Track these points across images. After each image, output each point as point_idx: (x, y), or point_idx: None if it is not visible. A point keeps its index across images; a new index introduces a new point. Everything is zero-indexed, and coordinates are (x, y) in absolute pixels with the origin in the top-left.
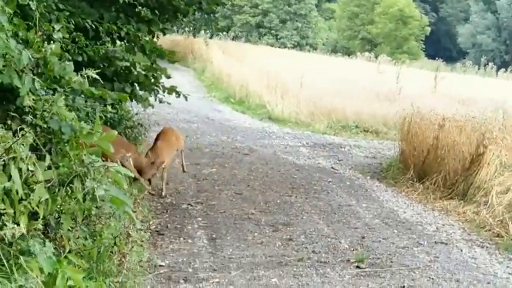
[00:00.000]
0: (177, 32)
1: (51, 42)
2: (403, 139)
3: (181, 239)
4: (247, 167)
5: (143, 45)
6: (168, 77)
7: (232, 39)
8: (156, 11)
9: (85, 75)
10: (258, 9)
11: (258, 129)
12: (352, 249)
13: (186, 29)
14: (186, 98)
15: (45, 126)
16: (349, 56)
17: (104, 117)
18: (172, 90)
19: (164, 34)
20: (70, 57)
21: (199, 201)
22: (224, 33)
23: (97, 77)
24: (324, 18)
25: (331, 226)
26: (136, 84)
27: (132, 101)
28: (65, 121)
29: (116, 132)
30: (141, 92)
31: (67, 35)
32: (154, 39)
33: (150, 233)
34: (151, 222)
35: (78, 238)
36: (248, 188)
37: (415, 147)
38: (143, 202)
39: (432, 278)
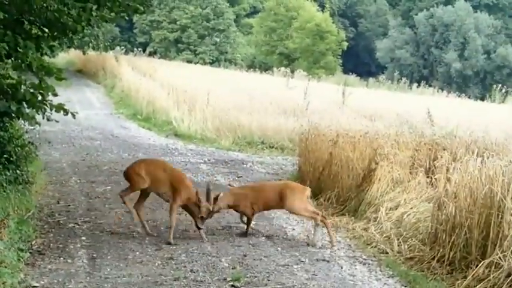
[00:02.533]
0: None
1: None
2: (300, 155)
3: (62, 258)
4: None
5: (30, 63)
6: (55, 95)
7: (150, 55)
8: (45, 28)
9: None
10: (176, 25)
11: (161, 146)
12: (231, 267)
13: (90, 44)
14: (74, 115)
15: None
16: (266, 71)
17: None
18: (60, 108)
19: (52, 51)
20: None
21: (87, 219)
22: (139, 49)
23: None
24: (242, 33)
25: (215, 244)
26: (24, 102)
27: (18, 119)
28: None
29: None
30: (28, 110)
31: None
32: (65, 55)
33: (31, 252)
34: (34, 242)
35: None
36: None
37: (311, 163)
38: (29, 221)
39: None
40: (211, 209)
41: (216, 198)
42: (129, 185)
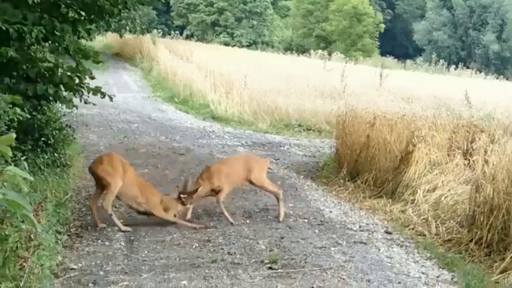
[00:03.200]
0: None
1: None
2: (338, 137)
3: (99, 241)
4: (180, 168)
5: (67, 46)
6: (92, 78)
7: (187, 38)
8: (82, 12)
9: None
10: (213, 8)
11: (198, 129)
12: (268, 250)
13: (127, 27)
14: (111, 98)
15: None
16: (303, 54)
17: (15, 120)
18: (96, 90)
19: (89, 34)
20: None
21: None
22: (177, 32)
23: None
24: (280, 16)
25: (252, 227)
26: (61, 86)
27: (56, 102)
28: None
29: (14, 135)
30: (65, 93)
31: None
32: (103, 39)
33: (69, 235)
34: (71, 225)
35: None
36: (176, 189)
37: (348, 145)
38: (67, 204)
39: (343, 279)
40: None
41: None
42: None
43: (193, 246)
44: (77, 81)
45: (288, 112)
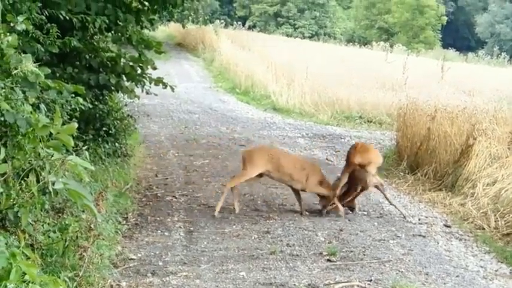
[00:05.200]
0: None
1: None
2: (398, 129)
3: (159, 231)
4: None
5: (130, 36)
6: (154, 68)
7: (249, 29)
8: (145, 2)
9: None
10: None
11: (259, 120)
12: (327, 242)
13: (190, 17)
14: (172, 89)
15: (1, 119)
16: (365, 45)
17: (77, 110)
18: (158, 81)
19: (152, 25)
20: (43, 50)
21: (184, 193)
22: (239, 22)
23: (37, 70)
24: (342, 7)
25: (311, 219)
26: (123, 76)
27: (118, 92)
28: (21, 114)
29: (76, 125)
30: (127, 83)
31: (31, 27)
32: (165, 29)
33: (129, 225)
34: (131, 215)
35: (48, 231)
36: None
37: (409, 138)
38: (127, 194)
39: (402, 271)
40: None
41: None
42: None
43: (252, 238)
44: (139, 71)
45: (349, 104)
